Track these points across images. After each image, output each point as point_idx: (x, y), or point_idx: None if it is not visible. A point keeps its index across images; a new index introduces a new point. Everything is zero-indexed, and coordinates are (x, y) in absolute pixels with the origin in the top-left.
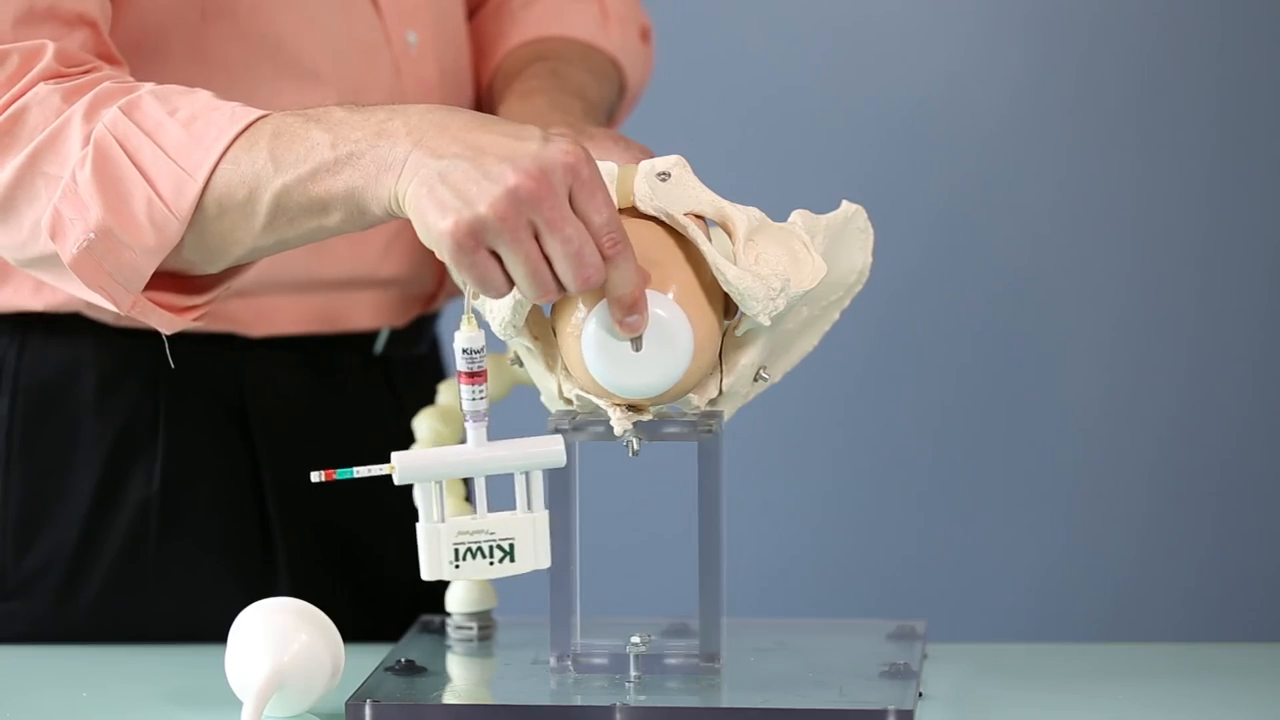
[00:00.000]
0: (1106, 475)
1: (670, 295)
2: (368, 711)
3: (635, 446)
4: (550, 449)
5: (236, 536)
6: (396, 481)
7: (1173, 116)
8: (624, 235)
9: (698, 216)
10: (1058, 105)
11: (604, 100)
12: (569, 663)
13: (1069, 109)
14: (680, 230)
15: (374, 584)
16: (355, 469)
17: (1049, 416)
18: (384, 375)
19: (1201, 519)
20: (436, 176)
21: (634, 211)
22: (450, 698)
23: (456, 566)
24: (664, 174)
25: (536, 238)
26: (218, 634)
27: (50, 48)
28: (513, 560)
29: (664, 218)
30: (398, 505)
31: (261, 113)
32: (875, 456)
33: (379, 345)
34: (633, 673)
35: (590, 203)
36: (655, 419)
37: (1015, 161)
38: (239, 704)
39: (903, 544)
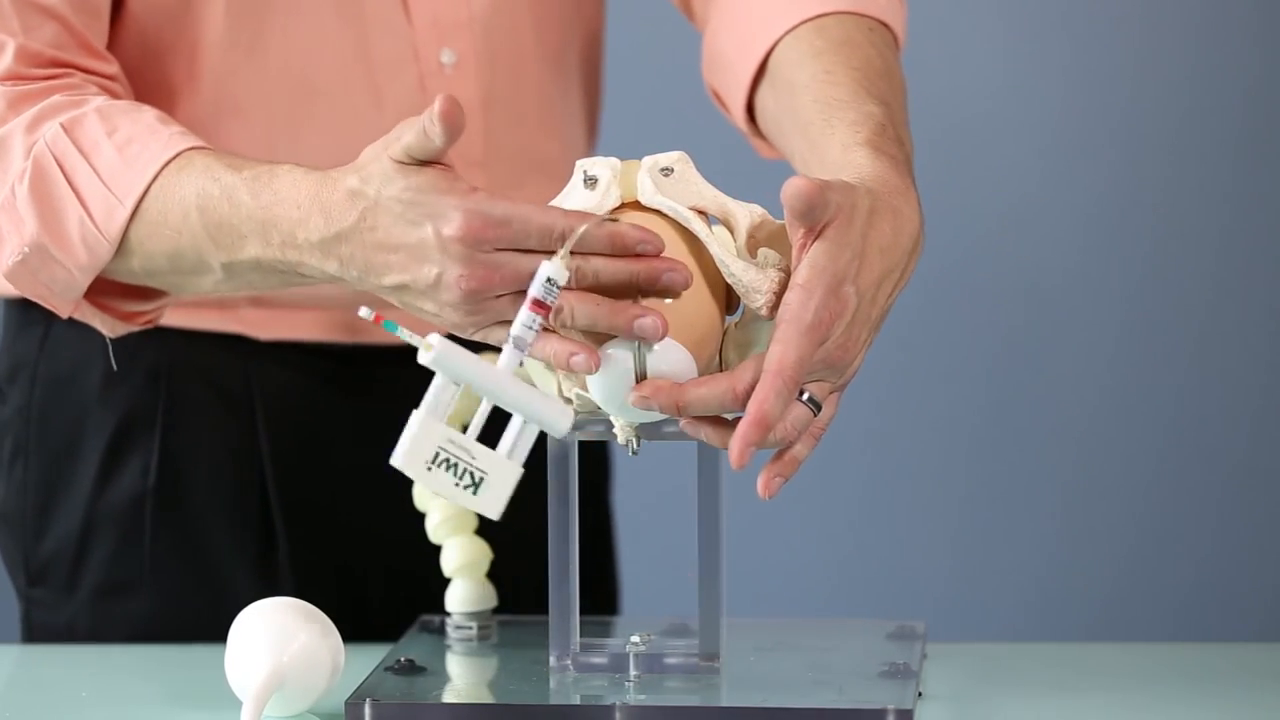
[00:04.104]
0: (1106, 476)
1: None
2: (368, 711)
3: (635, 446)
4: (557, 413)
5: (236, 532)
6: (424, 361)
7: (1195, 134)
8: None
9: (700, 212)
10: (1072, 119)
11: (908, 128)
12: (569, 662)
13: (1084, 122)
14: (683, 224)
15: (375, 582)
16: (401, 328)
17: (1048, 417)
18: (399, 378)
19: (1201, 520)
20: (394, 295)
21: (637, 206)
22: (450, 697)
23: (429, 469)
24: (667, 169)
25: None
26: (221, 629)
27: (10, 46)
28: (475, 494)
29: (667, 211)
30: (401, 505)
31: (192, 144)
32: (875, 456)
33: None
34: (633, 673)
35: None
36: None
37: (1027, 176)
38: (239, 704)
39: (903, 544)
